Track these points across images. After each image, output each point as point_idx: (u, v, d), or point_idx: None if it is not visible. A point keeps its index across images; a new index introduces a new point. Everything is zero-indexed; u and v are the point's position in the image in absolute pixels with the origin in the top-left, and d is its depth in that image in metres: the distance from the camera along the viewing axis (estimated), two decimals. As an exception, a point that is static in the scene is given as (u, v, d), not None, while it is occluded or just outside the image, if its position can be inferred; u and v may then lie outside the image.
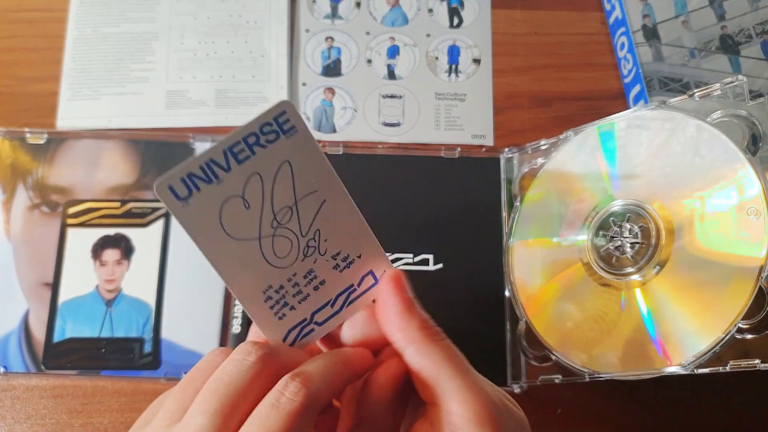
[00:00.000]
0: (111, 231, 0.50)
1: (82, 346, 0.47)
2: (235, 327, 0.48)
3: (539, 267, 0.46)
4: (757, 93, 0.51)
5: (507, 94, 0.56)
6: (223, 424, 0.24)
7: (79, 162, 0.51)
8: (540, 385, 0.45)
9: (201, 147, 0.52)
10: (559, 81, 0.57)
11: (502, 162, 0.52)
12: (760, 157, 0.37)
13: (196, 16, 0.57)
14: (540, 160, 0.49)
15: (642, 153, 0.43)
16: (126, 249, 0.49)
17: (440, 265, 0.50)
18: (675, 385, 0.47)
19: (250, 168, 0.26)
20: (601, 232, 0.44)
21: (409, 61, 0.57)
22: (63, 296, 0.48)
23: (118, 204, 0.50)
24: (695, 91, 0.40)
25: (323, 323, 0.29)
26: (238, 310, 0.48)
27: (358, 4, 0.59)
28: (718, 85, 0.39)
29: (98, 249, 0.49)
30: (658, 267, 0.40)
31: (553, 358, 0.43)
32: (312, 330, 0.30)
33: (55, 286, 0.48)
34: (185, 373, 0.33)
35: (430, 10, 0.59)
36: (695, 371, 0.36)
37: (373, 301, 0.30)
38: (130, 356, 0.47)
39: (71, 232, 0.49)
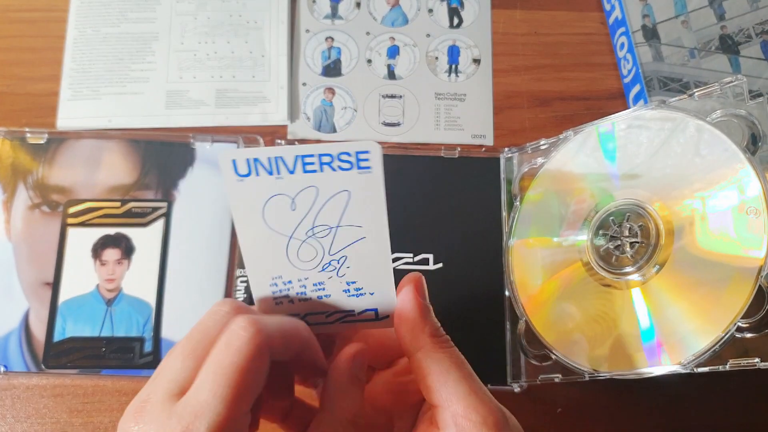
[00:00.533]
0: (111, 231, 0.50)
1: (82, 346, 0.47)
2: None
3: (539, 266, 0.46)
4: (756, 93, 0.51)
5: (507, 94, 0.56)
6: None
7: (79, 162, 0.51)
8: (540, 384, 0.45)
9: (201, 147, 0.52)
10: (559, 81, 0.57)
11: (502, 162, 0.52)
12: (759, 156, 0.37)
13: (197, 16, 0.57)
14: (540, 160, 0.49)
15: (642, 153, 0.43)
16: (126, 248, 0.49)
17: (440, 265, 0.50)
18: (675, 384, 0.47)
19: (312, 180, 0.27)
20: (600, 232, 0.44)
21: (409, 61, 0.57)
22: (63, 296, 0.48)
23: (118, 204, 0.50)
24: (695, 90, 0.40)
25: (312, 325, 0.30)
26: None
27: (358, 4, 0.59)
28: (717, 84, 0.39)
29: (98, 248, 0.49)
30: (658, 266, 0.40)
31: (553, 357, 0.43)
32: None
33: (55, 286, 0.48)
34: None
35: (430, 10, 0.59)
36: (695, 370, 0.36)
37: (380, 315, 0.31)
38: (131, 355, 0.47)
39: (72, 232, 0.49)
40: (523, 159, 0.51)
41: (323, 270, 0.29)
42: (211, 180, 0.51)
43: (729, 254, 0.37)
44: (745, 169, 0.37)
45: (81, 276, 0.48)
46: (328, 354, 0.32)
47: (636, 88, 0.54)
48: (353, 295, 0.30)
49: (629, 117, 0.44)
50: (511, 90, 0.57)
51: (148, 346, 0.47)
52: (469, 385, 0.28)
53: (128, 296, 0.48)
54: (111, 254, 0.49)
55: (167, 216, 0.50)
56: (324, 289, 0.29)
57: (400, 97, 0.56)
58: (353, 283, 0.29)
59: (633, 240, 0.42)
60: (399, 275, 0.29)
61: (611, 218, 0.43)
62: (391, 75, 0.57)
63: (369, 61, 0.57)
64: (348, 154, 0.27)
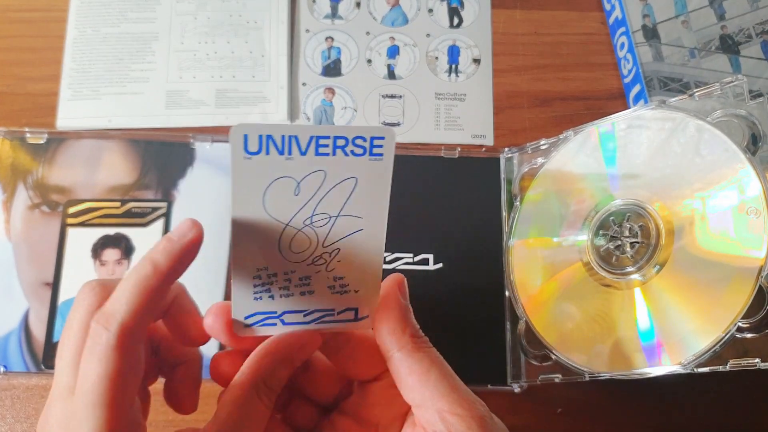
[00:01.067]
0: (111, 231, 0.50)
1: (82, 346, 0.47)
2: (235, 327, 0.48)
3: (539, 267, 0.46)
4: (757, 93, 0.51)
5: (507, 94, 0.56)
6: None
7: (79, 162, 0.51)
8: (540, 384, 0.45)
9: (201, 147, 0.52)
10: (559, 81, 0.57)
11: (502, 162, 0.52)
12: (760, 156, 0.37)
13: (196, 16, 0.57)
14: (540, 160, 0.49)
15: (642, 153, 0.43)
16: (126, 249, 0.49)
17: (440, 265, 0.50)
18: (675, 384, 0.47)
19: (322, 163, 0.26)
20: (601, 232, 0.44)
21: (409, 61, 0.57)
22: (63, 296, 0.48)
23: (118, 204, 0.50)
24: (695, 90, 0.40)
25: (287, 325, 0.29)
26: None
27: (358, 4, 0.59)
28: (718, 84, 0.39)
29: (98, 249, 0.49)
30: (658, 266, 0.40)
31: (553, 357, 0.43)
32: (274, 325, 0.29)
33: (55, 286, 0.48)
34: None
35: (430, 10, 0.59)
36: (695, 370, 0.36)
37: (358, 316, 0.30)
38: (131, 356, 0.47)
39: (71, 232, 0.49)
40: (523, 159, 0.51)
41: (313, 263, 0.28)
42: (211, 180, 0.51)
43: (729, 254, 0.37)
44: (745, 169, 0.37)
45: (81, 276, 0.48)
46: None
47: (636, 88, 0.54)
48: (337, 292, 0.29)
49: (629, 117, 0.44)
50: (511, 90, 0.57)
51: (147, 346, 0.47)
52: (451, 382, 0.28)
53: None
54: (111, 254, 0.49)
55: (167, 216, 0.50)
56: (309, 284, 0.29)
57: (400, 97, 0.56)
58: (340, 278, 0.29)
59: (633, 240, 0.42)
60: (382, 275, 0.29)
61: (611, 218, 0.43)
62: (391, 75, 0.57)
63: (369, 61, 0.57)
64: (363, 138, 0.26)
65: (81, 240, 0.49)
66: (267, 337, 0.30)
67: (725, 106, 0.39)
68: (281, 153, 0.26)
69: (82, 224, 0.50)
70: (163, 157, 0.52)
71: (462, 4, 0.59)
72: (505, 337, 0.48)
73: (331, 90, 0.56)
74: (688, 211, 0.39)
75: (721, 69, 0.53)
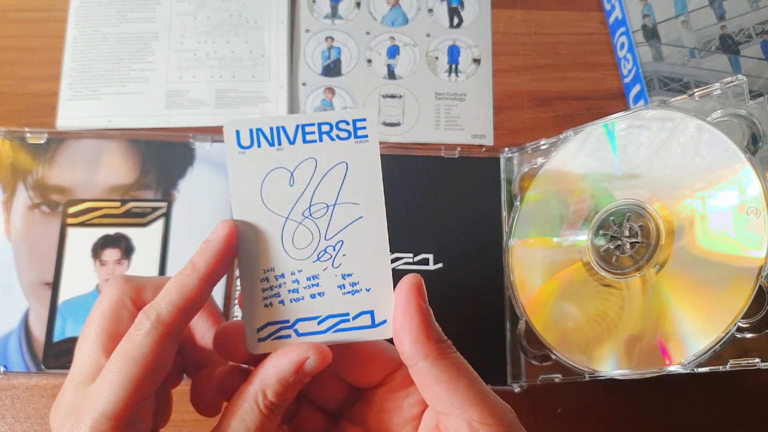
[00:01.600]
0: (111, 231, 0.50)
1: (82, 346, 0.47)
2: (235, 327, 0.48)
3: (539, 267, 0.46)
4: (757, 93, 0.51)
5: (507, 94, 0.56)
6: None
7: (79, 162, 0.51)
8: (540, 384, 0.45)
9: (201, 147, 0.52)
10: (559, 81, 0.57)
11: (502, 162, 0.52)
12: (760, 156, 0.37)
13: (196, 16, 0.57)
14: (540, 160, 0.49)
15: (642, 153, 0.43)
16: (126, 249, 0.49)
17: (440, 265, 0.50)
18: (675, 384, 0.47)
19: (311, 151, 0.28)
20: (601, 232, 0.44)
21: (409, 61, 0.57)
22: (63, 296, 0.48)
23: (118, 204, 0.50)
24: (695, 90, 0.40)
25: (302, 335, 0.29)
26: (238, 309, 0.48)
27: (358, 4, 0.59)
28: (718, 84, 0.39)
29: (98, 248, 0.49)
30: (658, 266, 0.40)
31: (553, 357, 0.43)
32: (288, 336, 0.29)
33: (55, 286, 0.48)
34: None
35: (430, 10, 0.59)
36: (695, 370, 0.36)
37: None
38: (131, 356, 0.47)
39: (71, 232, 0.49)
40: (523, 159, 0.51)
41: (318, 259, 0.28)
42: (211, 180, 0.51)
43: (729, 254, 0.37)
44: (745, 169, 0.37)
45: (81, 276, 0.48)
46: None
47: (636, 88, 0.54)
48: (348, 292, 0.29)
49: (629, 117, 0.44)
50: (511, 90, 0.57)
51: (147, 346, 0.47)
52: (480, 390, 0.27)
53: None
54: (111, 254, 0.49)
55: (167, 216, 0.50)
56: (318, 284, 0.29)
57: (400, 97, 0.56)
58: (349, 276, 0.29)
59: (633, 240, 0.42)
60: (399, 275, 0.29)
61: (611, 218, 0.43)
62: (391, 75, 0.57)
63: (369, 60, 0.57)
64: (346, 122, 0.28)
65: (81, 240, 0.49)
66: None
67: (725, 106, 0.39)
68: (272, 144, 0.28)
69: (82, 224, 0.50)
70: (163, 157, 0.52)
71: (462, 4, 0.59)
72: (505, 337, 0.48)
73: (331, 90, 0.56)
74: (688, 211, 0.39)
75: (721, 69, 0.53)
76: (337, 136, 0.28)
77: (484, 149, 0.54)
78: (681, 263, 0.39)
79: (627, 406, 0.47)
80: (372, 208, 0.28)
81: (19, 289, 0.48)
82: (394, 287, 0.29)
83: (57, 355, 0.47)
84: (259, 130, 0.27)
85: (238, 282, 0.49)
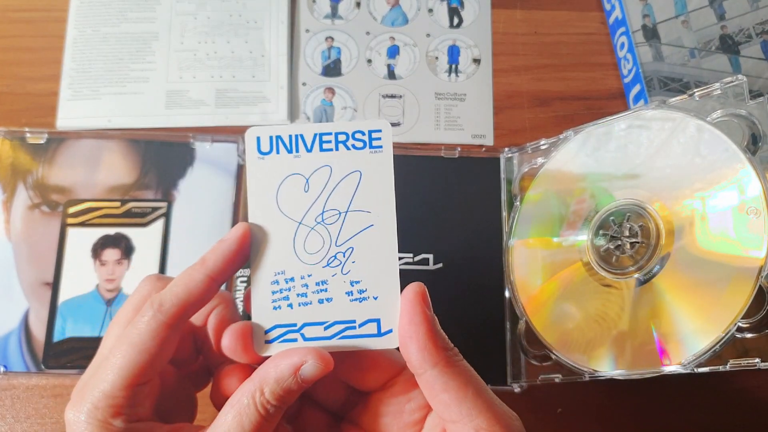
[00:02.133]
0: (111, 231, 0.50)
1: (82, 346, 0.47)
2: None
3: (539, 266, 0.46)
4: (757, 93, 0.51)
5: (507, 94, 0.56)
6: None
7: (79, 162, 0.51)
8: (540, 384, 0.45)
9: (201, 147, 0.52)
10: (559, 81, 0.57)
11: (502, 162, 0.52)
12: (760, 156, 0.37)
13: (196, 16, 0.57)
14: (540, 160, 0.49)
15: (642, 153, 0.43)
16: (126, 248, 0.49)
17: (440, 265, 0.50)
18: (675, 384, 0.47)
19: (327, 159, 0.29)
20: (601, 232, 0.44)
21: (409, 61, 0.57)
22: (63, 296, 0.48)
23: (118, 204, 0.50)
24: (695, 90, 0.40)
25: (308, 340, 0.29)
26: (238, 309, 0.48)
27: (358, 4, 0.59)
28: (718, 84, 0.39)
29: (98, 248, 0.49)
30: (658, 266, 0.40)
31: (553, 357, 0.43)
32: (295, 340, 0.29)
33: (55, 286, 0.48)
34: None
35: (430, 10, 0.59)
36: (695, 370, 0.36)
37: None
38: (130, 356, 0.47)
39: (71, 232, 0.49)
40: (523, 159, 0.51)
41: (328, 265, 0.29)
42: (210, 180, 0.51)
43: (729, 254, 0.37)
44: (745, 169, 0.37)
45: (81, 276, 0.48)
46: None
47: (636, 88, 0.54)
48: (356, 300, 0.29)
49: (629, 117, 0.44)
50: (511, 90, 0.57)
51: (147, 346, 0.47)
52: (488, 398, 0.28)
53: (128, 296, 0.48)
54: (111, 254, 0.49)
55: (167, 216, 0.50)
56: (326, 290, 0.29)
57: (400, 97, 0.56)
58: (357, 283, 0.29)
59: (633, 240, 0.42)
60: (399, 275, 0.29)
61: (611, 218, 0.43)
62: (391, 75, 0.57)
63: (369, 60, 0.57)
64: (362, 132, 0.29)
65: (81, 240, 0.49)
66: None
67: (725, 106, 0.39)
68: (290, 151, 0.29)
69: (82, 224, 0.50)
70: (163, 157, 0.52)
71: (462, 4, 0.59)
72: (505, 337, 0.48)
73: (331, 90, 0.56)
74: (688, 211, 0.39)
75: (721, 69, 0.53)
76: (353, 146, 0.29)
77: (484, 149, 0.54)
78: (681, 263, 0.39)
79: (627, 406, 0.47)
80: (383, 216, 0.29)
81: (19, 289, 0.48)
82: None
83: (57, 355, 0.47)
84: (278, 137, 0.29)
85: (238, 282, 0.49)
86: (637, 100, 0.54)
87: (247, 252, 0.29)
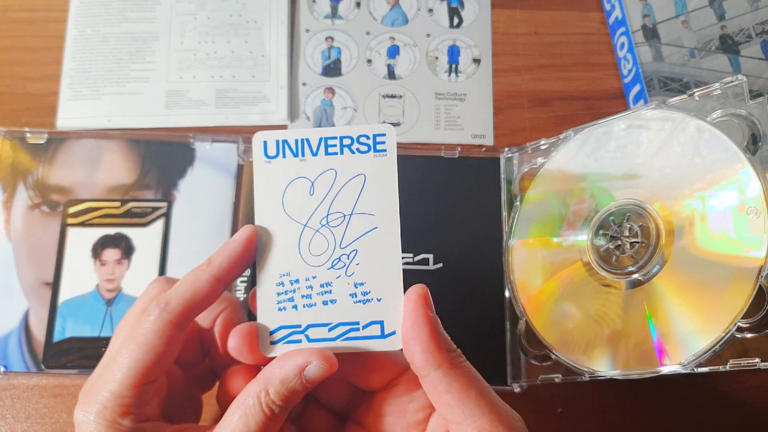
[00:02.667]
0: (111, 230, 0.50)
1: (82, 346, 0.47)
2: (236, 326, 0.48)
3: (539, 266, 0.46)
4: (756, 93, 0.51)
5: (507, 94, 0.56)
6: None
7: (79, 162, 0.51)
8: (540, 384, 0.45)
9: (201, 147, 0.52)
10: (559, 81, 0.57)
11: (502, 162, 0.52)
12: (760, 156, 0.37)
13: (196, 16, 0.57)
14: (540, 160, 0.49)
15: (642, 153, 0.43)
16: (126, 248, 0.49)
17: (440, 265, 0.50)
18: (675, 384, 0.47)
19: (332, 162, 0.30)
20: (601, 232, 0.44)
21: (409, 61, 0.57)
22: (63, 295, 0.48)
23: (118, 204, 0.50)
24: (695, 90, 0.40)
25: (312, 341, 0.29)
26: (238, 309, 0.48)
27: (358, 4, 0.59)
28: (718, 84, 0.39)
29: (98, 248, 0.49)
30: (658, 266, 0.40)
31: (553, 357, 0.43)
32: (299, 341, 0.29)
33: (55, 286, 0.48)
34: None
35: (430, 10, 0.59)
36: (695, 370, 0.36)
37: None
38: (131, 356, 0.47)
39: (71, 232, 0.49)
40: (523, 159, 0.51)
41: (332, 267, 0.29)
42: (210, 180, 0.51)
43: (729, 254, 0.37)
44: (745, 169, 0.37)
45: (81, 276, 0.48)
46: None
47: (636, 88, 0.54)
48: (360, 301, 0.29)
49: (629, 117, 0.44)
50: (511, 90, 0.57)
51: (148, 346, 0.47)
52: (491, 399, 0.28)
53: (128, 296, 0.48)
54: (111, 254, 0.49)
55: (167, 216, 0.50)
56: (331, 291, 0.29)
57: (400, 97, 0.56)
58: (361, 285, 0.29)
59: (633, 240, 0.42)
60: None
61: (611, 218, 0.43)
62: (391, 75, 0.57)
63: (369, 60, 0.57)
64: (366, 136, 0.30)
65: (81, 240, 0.49)
66: None
67: (725, 106, 0.39)
68: (295, 155, 0.29)
69: (82, 224, 0.50)
70: (163, 157, 0.52)
71: (462, 4, 0.59)
72: (505, 337, 0.48)
73: (331, 90, 0.56)
74: (688, 211, 0.39)
75: (721, 69, 0.53)
76: (358, 150, 0.30)
77: (484, 149, 0.54)
78: (681, 263, 0.39)
79: (627, 406, 0.47)
80: (386, 219, 0.30)
81: (19, 289, 0.48)
82: None
83: (57, 355, 0.47)
84: (284, 141, 0.29)
85: (238, 282, 0.49)
86: (637, 100, 0.54)
87: (253, 254, 0.29)
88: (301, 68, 0.57)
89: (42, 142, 0.52)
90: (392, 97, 0.56)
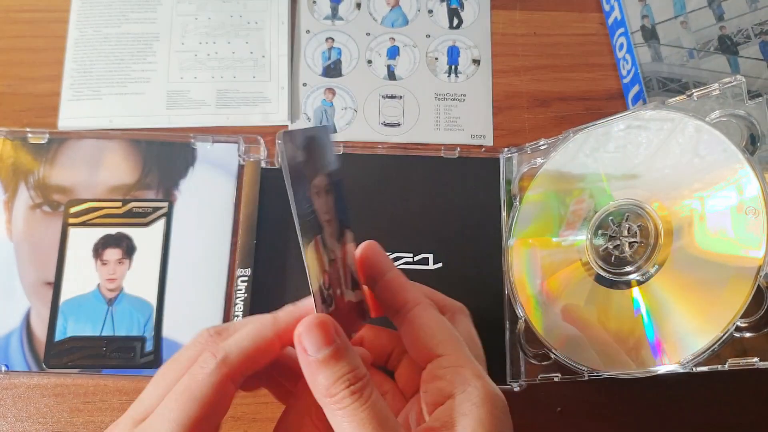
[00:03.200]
0: (112, 230, 0.50)
1: (83, 345, 0.47)
2: (236, 326, 0.48)
3: (539, 266, 0.47)
4: (755, 93, 0.52)
5: (506, 95, 0.57)
6: None
7: (80, 162, 0.51)
8: (539, 383, 0.45)
9: (202, 147, 0.52)
10: (559, 81, 0.57)
11: (502, 162, 0.52)
12: (758, 156, 0.37)
13: (197, 17, 0.58)
14: (539, 160, 0.49)
15: (641, 153, 0.43)
16: (127, 248, 0.49)
17: (440, 265, 0.50)
18: (674, 383, 0.47)
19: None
20: (600, 232, 0.44)
21: (409, 62, 0.58)
22: (64, 295, 0.48)
23: (119, 204, 0.50)
24: (694, 91, 0.41)
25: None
26: (238, 309, 0.48)
27: (359, 5, 0.59)
28: (716, 85, 0.39)
29: (100, 248, 0.49)
30: (657, 266, 0.40)
31: (553, 356, 0.44)
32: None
33: (56, 285, 0.48)
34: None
35: (430, 11, 0.59)
36: (694, 370, 0.37)
37: None
38: (132, 355, 0.47)
39: (73, 232, 0.50)
40: (522, 159, 0.51)
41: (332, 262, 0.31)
42: (211, 180, 0.51)
43: (728, 254, 0.37)
44: (744, 169, 0.37)
45: (82, 276, 0.49)
46: None
47: (635, 89, 0.54)
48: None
49: (628, 117, 0.44)
50: (510, 90, 0.57)
51: (149, 346, 0.47)
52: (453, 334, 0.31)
53: (129, 296, 0.48)
54: (112, 254, 0.49)
55: (168, 216, 0.50)
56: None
57: (400, 97, 0.56)
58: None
59: (632, 240, 0.42)
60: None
61: (610, 218, 0.43)
62: (391, 75, 0.57)
63: (369, 61, 0.57)
64: None
65: (82, 240, 0.49)
66: None
67: (724, 107, 0.39)
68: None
69: (84, 224, 0.50)
70: (164, 157, 0.52)
71: (462, 5, 0.59)
72: (505, 336, 0.48)
73: (331, 90, 0.56)
74: (686, 211, 0.39)
75: (720, 69, 0.53)
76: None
77: (483, 149, 0.55)
78: (680, 263, 0.39)
79: (626, 405, 0.47)
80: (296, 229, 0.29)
81: (21, 288, 0.48)
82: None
83: (58, 354, 0.47)
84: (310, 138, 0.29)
85: (239, 282, 0.49)
86: (636, 101, 0.54)
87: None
88: (302, 69, 0.57)
89: (43, 142, 0.52)
90: (392, 97, 0.56)
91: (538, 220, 0.48)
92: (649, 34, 0.55)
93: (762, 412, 0.47)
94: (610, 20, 0.58)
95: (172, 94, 0.55)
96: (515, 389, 0.46)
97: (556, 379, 0.44)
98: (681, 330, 0.38)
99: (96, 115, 0.55)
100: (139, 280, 0.49)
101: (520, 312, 0.47)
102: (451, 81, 0.57)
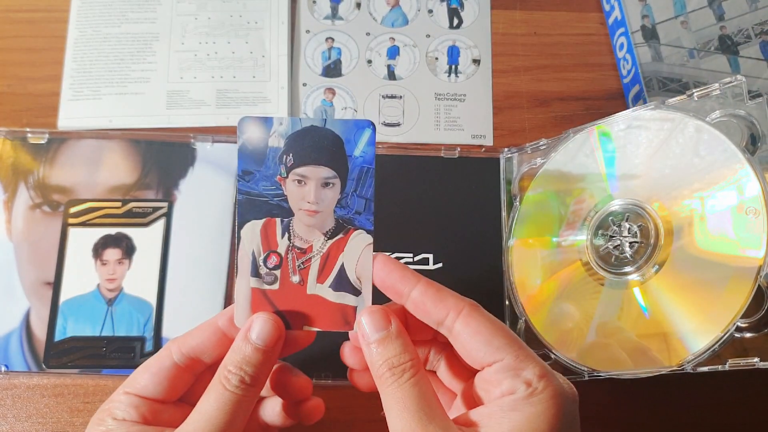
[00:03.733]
0: (112, 230, 0.50)
1: (83, 345, 0.47)
2: (236, 326, 0.48)
3: (538, 266, 0.47)
4: (755, 93, 0.51)
5: (506, 95, 0.57)
6: None
7: (80, 162, 0.51)
8: (539, 384, 0.45)
9: (202, 147, 0.52)
10: (559, 81, 0.57)
11: (502, 162, 0.52)
12: (759, 156, 0.37)
13: (197, 17, 0.58)
14: (539, 160, 0.49)
15: (641, 153, 0.43)
16: (127, 248, 0.49)
17: (440, 265, 0.50)
18: (674, 383, 0.47)
19: None
20: (600, 232, 0.44)
21: (409, 62, 0.57)
22: (64, 295, 0.48)
23: (119, 204, 0.50)
24: (694, 91, 0.40)
25: None
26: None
27: (359, 5, 0.59)
28: (717, 85, 0.39)
29: (99, 248, 0.49)
30: (657, 266, 0.40)
31: (553, 356, 0.44)
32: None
33: (56, 285, 0.48)
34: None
35: (430, 11, 0.59)
36: (694, 370, 0.36)
37: None
38: (131, 355, 0.47)
39: (72, 232, 0.50)
40: (522, 159, 0.51)
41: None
42: (211, 180, 0.51)
43: (728, 254, 0.37)
44: (744, 169, 0.37)
45: (82, 276, 0.49)
46: None
47: (635, 89, 0.54)
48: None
49: (628, 117, 0.44)
50: (510, 90, 0.57)
51: (148, 346, 0.47)
52: (513, 336, 0.31)
53: (129, 296, 0.48)
54: (112, 254, 0.49)
55: (168, 216, 0.50)
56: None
57: (400, 97, 0.56)
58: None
59: (632, 240, 0.42)
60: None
61: (610, 218, 0.43)
62: (391, 75, 0.57)
63: (369, 61, 0.57)
64: None
65: (82, 240, 0.49)
66: None
67: (724, 107, 0.39)
68: None
69: (83, 224, 0.50)
70: (164, 157, 0.52)
71: (462, 5, 0.59)
72: (505, 336, 0.48)
73: (331, 90, 0.56)
74: (687, 211, 0.39)
75: (720, 69, 0.53)
76: None
77: (483, 149, 0.54)
78: (680, 263, 0.39)
79: (626, 405, 0.47)
80: None
81: (21, 288, 0.48)
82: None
83: (58, 354, 0.47)
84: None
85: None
86: (636, 101, 0.54)
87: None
88: (302, 69, 0.57)
89: (43, 142, 0.52)
90: (392, 97, 0.56)
91: (538, 220, 0.48)
92: (650, 34, 0.55)
93: (762, 412, 0.47)
94: (611, 20, 0.58)
95: (172, 94, 0.55)
96: (515, 389, 0.46)
97: (556, 380, 0.44)
98: (681, 330, 0.38)
99: (96, 115, 0.55)
100: (138, 280, 0.49)
101: (520, 312, 0.47)
102: (451, 81, 0.57)
